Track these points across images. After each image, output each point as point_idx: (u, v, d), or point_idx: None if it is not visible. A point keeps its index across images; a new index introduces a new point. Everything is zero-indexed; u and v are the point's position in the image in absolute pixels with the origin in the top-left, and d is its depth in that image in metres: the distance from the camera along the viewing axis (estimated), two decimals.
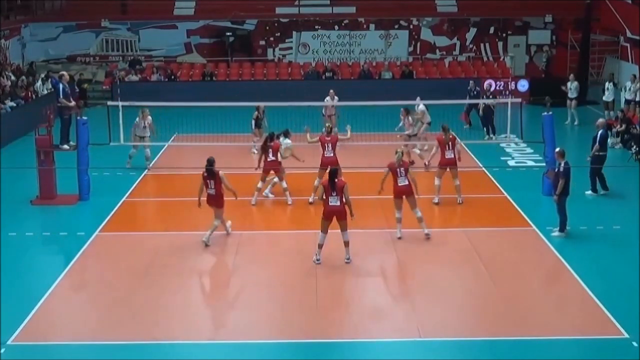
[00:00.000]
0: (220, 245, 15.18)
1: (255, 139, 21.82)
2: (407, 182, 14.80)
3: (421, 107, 21.72)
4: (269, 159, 17.41)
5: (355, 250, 14.30)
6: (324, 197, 13.81)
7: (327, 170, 14.30)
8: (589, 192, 18.00)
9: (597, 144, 17.83)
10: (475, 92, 26.36)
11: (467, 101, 25.54)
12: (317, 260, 13.92)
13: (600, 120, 18.61)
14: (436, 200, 17.40)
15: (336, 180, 13.78)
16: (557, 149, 15.58)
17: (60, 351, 10.98)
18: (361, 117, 22.35)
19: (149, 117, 20.64)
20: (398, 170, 14.83)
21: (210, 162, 14.86)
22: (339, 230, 13.83)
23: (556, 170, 15.29)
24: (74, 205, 17.70)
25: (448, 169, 17.44)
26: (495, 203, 17.78)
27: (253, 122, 21.96)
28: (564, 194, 15.15)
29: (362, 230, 13.54)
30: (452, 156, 17.38)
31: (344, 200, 13.68)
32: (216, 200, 14.98)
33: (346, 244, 13.88)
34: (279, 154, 17.56)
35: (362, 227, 14.82)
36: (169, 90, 31.05)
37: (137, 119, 20.57)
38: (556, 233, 15.37)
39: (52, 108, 18.11)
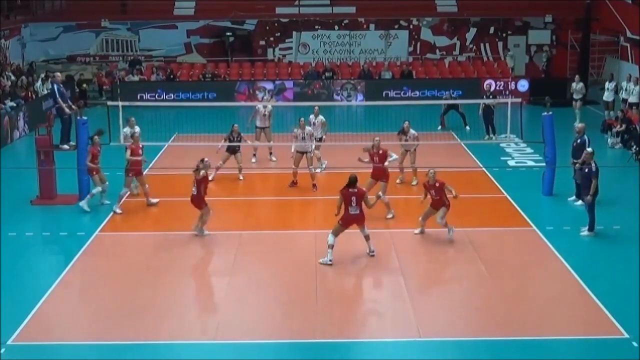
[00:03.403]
0: (220, 245, 15.19)
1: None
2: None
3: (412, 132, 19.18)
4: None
5: (355, 250, 14.31)
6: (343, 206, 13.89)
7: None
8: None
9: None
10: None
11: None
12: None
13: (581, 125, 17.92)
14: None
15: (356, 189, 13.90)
16: (589, 150, 15.60)
17: (60, 351, 10.97)
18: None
19: (137, 127, 18.97)
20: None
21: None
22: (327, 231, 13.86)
23: (587, 170, 15.38)
24: (74, 205, 17.69)
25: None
26: (495, 203, 17.78)
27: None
28: (595, 194, 15.25)
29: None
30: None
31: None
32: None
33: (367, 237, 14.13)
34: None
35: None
36: (169, 89, 31.17)
37: (126, 130, 19.05)
38: (585, 232, 15.44)
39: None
